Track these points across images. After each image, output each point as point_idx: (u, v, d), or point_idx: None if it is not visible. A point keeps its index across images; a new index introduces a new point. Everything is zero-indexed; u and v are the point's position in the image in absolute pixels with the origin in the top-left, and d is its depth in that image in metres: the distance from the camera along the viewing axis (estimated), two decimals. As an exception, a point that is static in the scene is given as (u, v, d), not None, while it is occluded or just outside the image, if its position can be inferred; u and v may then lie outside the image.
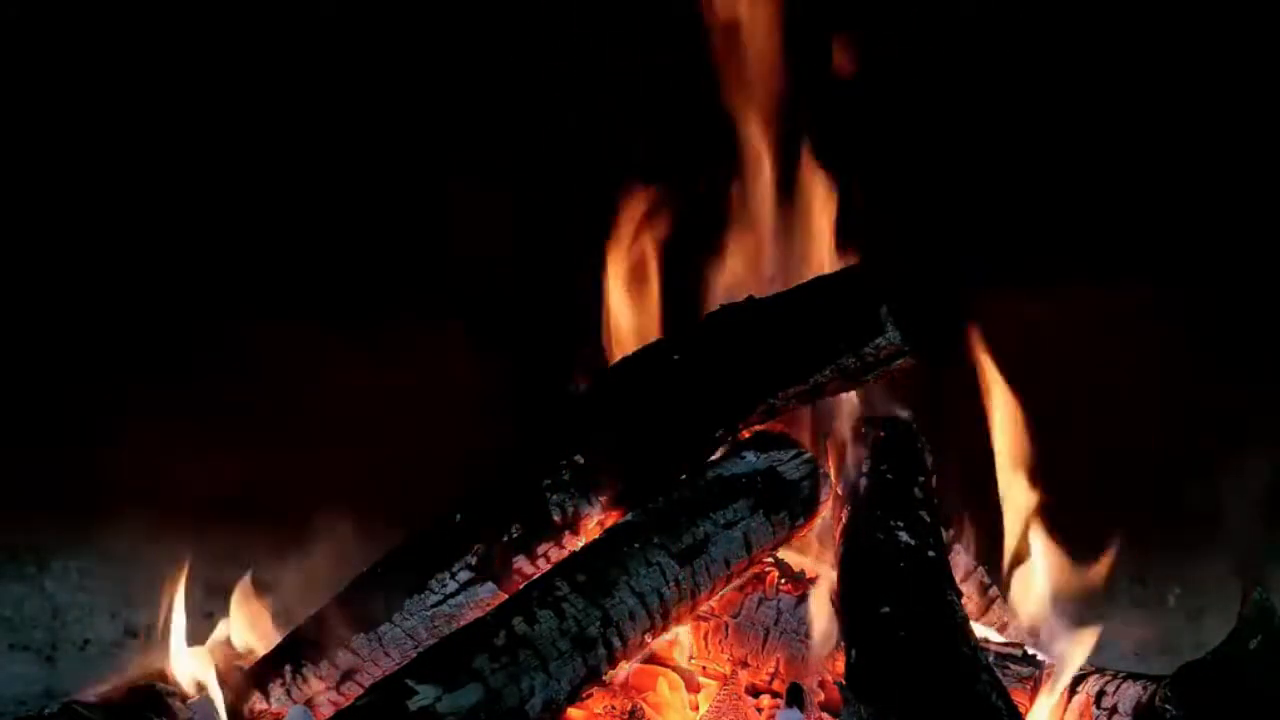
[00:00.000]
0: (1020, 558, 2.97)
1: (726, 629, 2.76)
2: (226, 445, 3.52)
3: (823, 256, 2.98)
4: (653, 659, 2.76)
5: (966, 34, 3.54)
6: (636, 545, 2.58)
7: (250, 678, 2.72)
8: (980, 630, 2.72)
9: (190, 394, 3.59)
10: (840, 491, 2.82)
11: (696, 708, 2.72)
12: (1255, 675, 2.49)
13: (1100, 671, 2.74)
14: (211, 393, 3.60)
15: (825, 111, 3.05)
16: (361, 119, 3.60)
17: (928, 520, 2.72)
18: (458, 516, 2.75)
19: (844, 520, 2.76)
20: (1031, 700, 2.67)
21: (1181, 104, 3.58)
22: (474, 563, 2.69)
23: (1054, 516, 2.99)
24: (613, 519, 2.70)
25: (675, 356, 2.78)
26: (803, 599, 2.74)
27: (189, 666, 2.75)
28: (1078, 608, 2.89)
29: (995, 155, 3.58)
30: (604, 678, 2.55)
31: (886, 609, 2.50)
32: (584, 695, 2.53)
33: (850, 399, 2.91)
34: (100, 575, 3.67)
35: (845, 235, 2.98)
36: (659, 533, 2.60)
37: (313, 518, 2.95)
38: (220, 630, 2.86)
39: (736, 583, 2.72)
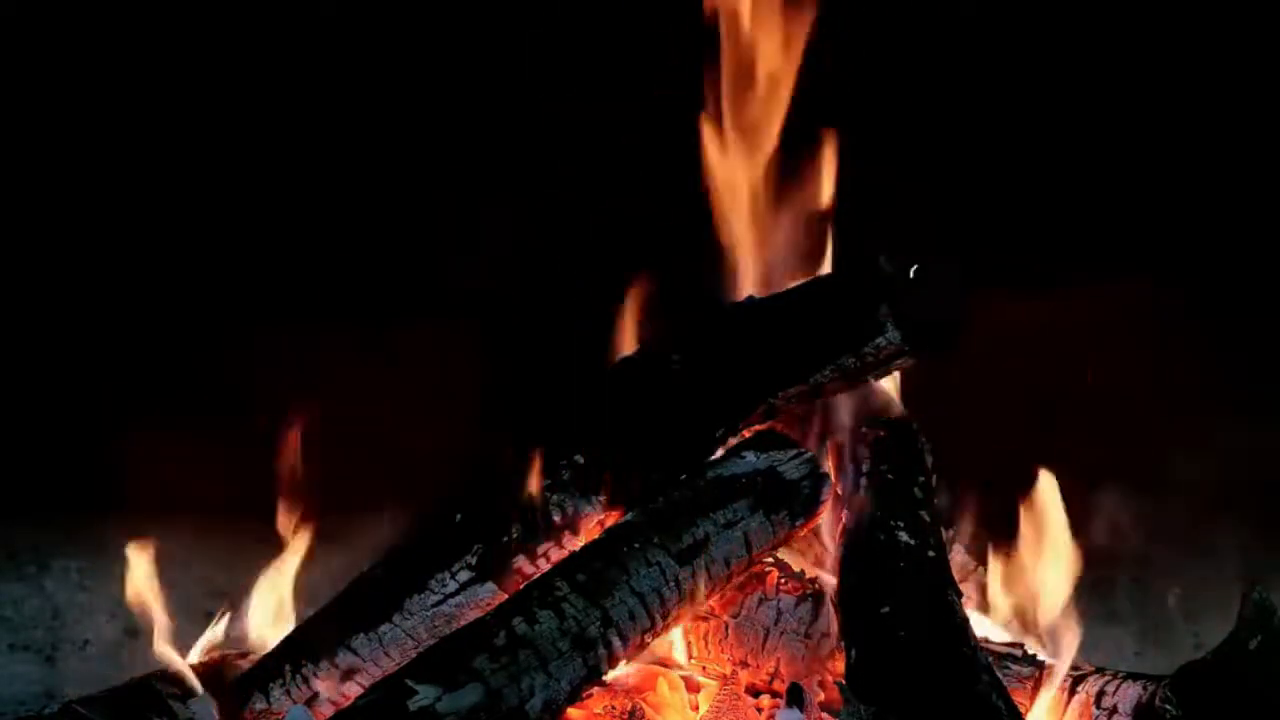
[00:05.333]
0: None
1: (726, 629, 2.76)
2: (227, 445, 3.52)
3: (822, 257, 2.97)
4: (653, 659, 2.76)
5: (966, 33, 3.54)
6: (636, 545, 2.58)
7: (250, 678, 2.72)
8: (980, 630, 2.72)
9: (191, 394, 3.59)
10: (840, 491, 2.82)
11: (696, 708, 2.72)
12: (1255, 675, 2.48)
13: (1100, 671, 2.73)
14: (212, 393, 3.60)
15: (825, 111, 3.04)
16: (363, 119, 3.60)
17: (928, 520, 2.72)
18: (458, 516, 2.75)
19: (844, 520, 2.76)
20: (1031, 700, 2.67)
21: (1177, 103, 3.59)
22: (474, 563, 2.69)
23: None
24: (613, 519, 2.70)
25: (675, 356, 2.78)
26: (803, 599, 2.74)
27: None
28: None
29: (994, 155, 3.58)
30: (604, 677, 2.55)
31: (886, 609, 2.51)
32: (584, 695, 2.53)
33: (851, 399, 2.91)
34: (100, 575, 3.67)
35: (845, 236, 2.98)
36: (659, 533, 2.60)
37: (313, 518, 2.95)
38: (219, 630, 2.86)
39: (736, 582, 2.72)
